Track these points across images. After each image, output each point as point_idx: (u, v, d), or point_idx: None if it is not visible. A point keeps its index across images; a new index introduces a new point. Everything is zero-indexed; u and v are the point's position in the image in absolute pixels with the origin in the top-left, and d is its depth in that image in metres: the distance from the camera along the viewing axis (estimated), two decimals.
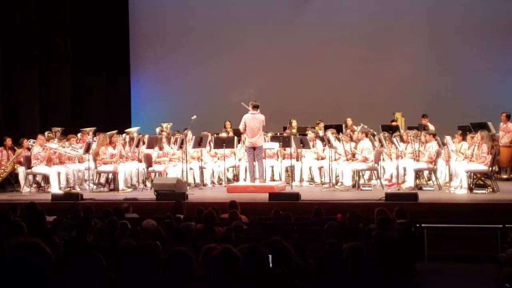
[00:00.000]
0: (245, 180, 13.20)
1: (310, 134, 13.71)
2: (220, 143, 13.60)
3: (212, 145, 13.90)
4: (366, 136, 12.90)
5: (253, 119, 12.35)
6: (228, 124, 15.44)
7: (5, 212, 7.55)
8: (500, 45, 17.39)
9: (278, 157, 13.96)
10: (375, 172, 12.78)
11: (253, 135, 12.37)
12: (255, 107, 12.43)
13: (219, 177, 14.03)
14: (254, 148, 12.44)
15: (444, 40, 17.77)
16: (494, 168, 12.15)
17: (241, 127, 12.59)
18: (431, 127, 14.59)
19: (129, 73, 19.41)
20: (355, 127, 14.77)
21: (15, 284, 2.39)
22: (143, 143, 13.52)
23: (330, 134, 13.33)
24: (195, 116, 14.03)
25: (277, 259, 4.47)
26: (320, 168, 13.52)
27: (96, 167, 13.06)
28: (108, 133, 13.68)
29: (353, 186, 12.47)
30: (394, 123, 15.19)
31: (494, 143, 11.96)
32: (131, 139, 13.92)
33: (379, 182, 12.56)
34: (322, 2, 18.59)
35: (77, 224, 7.53)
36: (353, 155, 12.80)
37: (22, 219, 6.88)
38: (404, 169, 12.50)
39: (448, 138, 12.75)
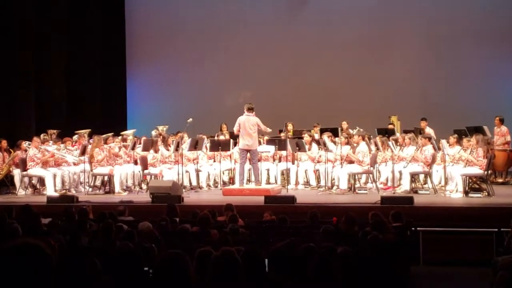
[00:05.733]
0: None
1: (306, 137, 13.72)
2: (216, 146, 13.61)
3: (208, 147, 13.91)
4: (363, 139, 12.91)
5: (247, 121, 12.38)
6: (224, 127, 15.45)
7: (1, 214, 7.54)
8: (496, 50, 17.42)
9: (274, 160, 13.95)
10: (371, 175, 12.78)
11: (248, 137, 12.38)
12: (250, 109, 12.46)
13: (214, 180, 14.03)
14: (247, 151, 12.45)
15: (440, 44, 17.80)
16: (489, 172, 12.17)
17: (235, 129, 12.64)
18: (430, 131, 14.59)
19: (125, 76, 19.38)
20: (350, 131, 14.78)
21: (16, 285, 2.39)
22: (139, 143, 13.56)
23: (326, 137, 13.35)
24: (191, 119, 14.02)
25: (275, 265, 4.47)
26: (315, 171, 13.53)
27: (91, 170, 13.04)
28: (103, 135, 13.66)
29: (349, 189, 12.47)
30: (391, 126, 15.20)
31: (489, 147, 11.98)
32: (124, 140, 13.98)
33: (375, 185, 12.57)
34: (319, 5, 18.60)
35: (72, 226, 7.52)
36: (350, 161, 12.78)
37: (18, 222, 6.87)
38: (400, 173, 12.51)
39: (443, 142, 12.77)
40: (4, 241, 2.50)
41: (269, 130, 12.93)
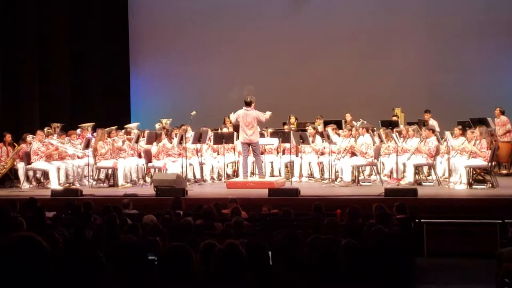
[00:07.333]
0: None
1: (310, 130, 13.71)
2: (220, 138, 13.60)
3: (212, 140, 13.89)
4: (367, 131, 12.90)
5: (245, 115, 12.37)
6: (228, 120, 15.44)
7: (5, 208, 7.56)
8: (500, 42, 17.38)
9: (277, 153, 13.95)
10: (375, 167, 12.78)
11: (246, 131, 12.37)
12: (247, 103, 12.43)
13: (218, 172, 14.03)
14: (248, 144, 12.46)
15: (443, 36, 17.76)
16: (493, 163, 12.15)
17: (233, 118, 12.69)
18: (434, 123, 14.57)
19: (128, 69, 19.40)
20: (354, 123, 14.76)
21: (13, 279, 2.39)
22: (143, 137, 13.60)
23: (330, 129, 13.33)
24: (194, 112, 14.01)
25: (279, 257, 4.47)
26: (319, 164, 13.53)
27: (95, 163, 13.05)
28: (107, 129, 13.67)
29: (353, 181, 12.47)
30: (394, 118, 15.18)
31: (493, 138, 11.95)
32: (128, 133, 14.02)
33: (379, 177, 12.56)
34: None
35: (77, 220, 7.53)
36: (352, 153, 12.77)
37: (22, 215, 6.89)
38: (404, 165, 12.50)
39: (447, 134, 12.74)
40: (5, 235, 2.50)
41: (268, 113, 12.68)
